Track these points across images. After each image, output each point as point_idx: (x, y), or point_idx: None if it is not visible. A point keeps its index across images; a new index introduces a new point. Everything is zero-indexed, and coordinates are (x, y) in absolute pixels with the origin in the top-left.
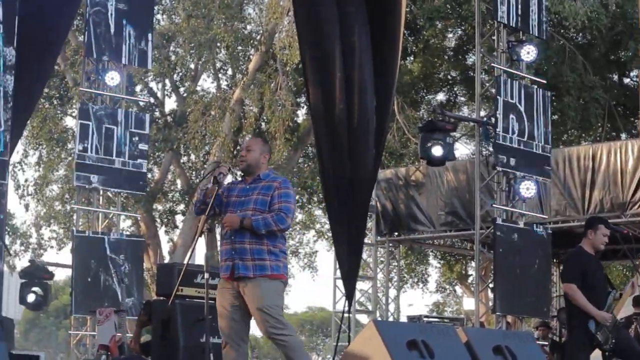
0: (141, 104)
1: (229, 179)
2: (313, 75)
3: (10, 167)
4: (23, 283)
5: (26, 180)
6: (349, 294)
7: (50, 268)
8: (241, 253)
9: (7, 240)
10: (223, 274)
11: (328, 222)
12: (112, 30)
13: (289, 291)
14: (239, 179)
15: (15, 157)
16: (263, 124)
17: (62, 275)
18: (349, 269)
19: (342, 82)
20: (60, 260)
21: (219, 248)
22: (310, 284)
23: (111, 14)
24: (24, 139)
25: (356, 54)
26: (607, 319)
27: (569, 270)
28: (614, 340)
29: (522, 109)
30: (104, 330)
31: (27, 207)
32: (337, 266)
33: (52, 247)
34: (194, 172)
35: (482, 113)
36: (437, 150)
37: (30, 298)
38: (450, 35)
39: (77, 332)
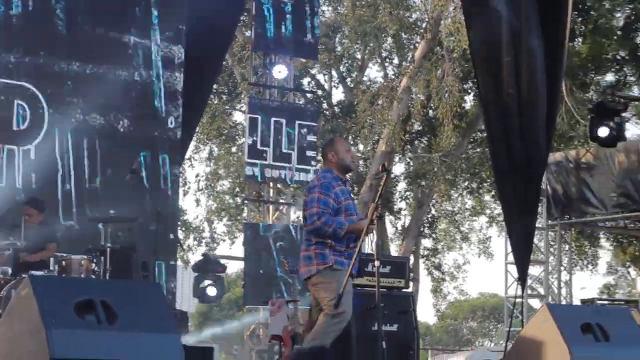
0: (309, 95)
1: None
2: (481, 61)
3: None
4: (196, 277)
5: (197, 176)
6: (522, 279)
7: (223, 261)
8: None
9: (180, 235)
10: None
11: (498, 208)
12: (278, 23)
13: (465, 278)
14: (331, 177)
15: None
16: (430, 111)
17: (234, 268)
18: (522, 253)
19: (511, 67)
20: (232, 253)
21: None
22: (482, 270)
23: (277, 8)
24: (194, 134)
25: (524, 37)
26: None
27: None
28: None
29: None
30: (277, 321)
31: (197, 202)
32: (508, 251)
33: (224, 240)
34: (362, 162)
35: None
36: (607, 132)
37: (204, 291)
38: (619, 14)
39: (250, 323)
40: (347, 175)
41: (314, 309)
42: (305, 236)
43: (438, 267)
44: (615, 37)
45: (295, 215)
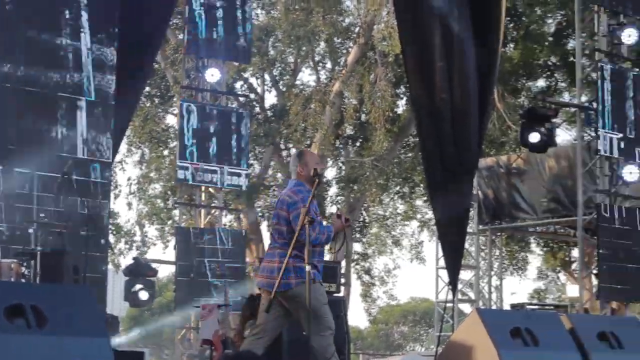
0: (241, 99)
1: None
2: (414, 66)
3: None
4: (127, 281)
5: (129, 179)
6: (454, 284)
7: (154, 265)
8: None
9: (112, 239)
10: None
11: (430, 212)
12: (211, 27)
13: (395, 282)
14: (305, 190)
15: (117, 156)
16: (363, 115)
17: (166, 272)
18: (453, 258)
19: (444, 72)
20: (164, 257)
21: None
22: (413, 274)
23: (209, 11)
24: (126, 137)
25: (456, 43)
26: None
27: None
28: None
29: (624, 92)
30: (207, 326)
31: (129, 205)
32: (439, 256)
33: (155, 244)
34: None
35: (584, 98)
36: (537, 137)
37: (135, 295)
38: (550, 20)
39: (181, 328)
40: None
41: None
42: (276, 245)
43: (368, 271)
44: (546, 43)
45: (227, 218)
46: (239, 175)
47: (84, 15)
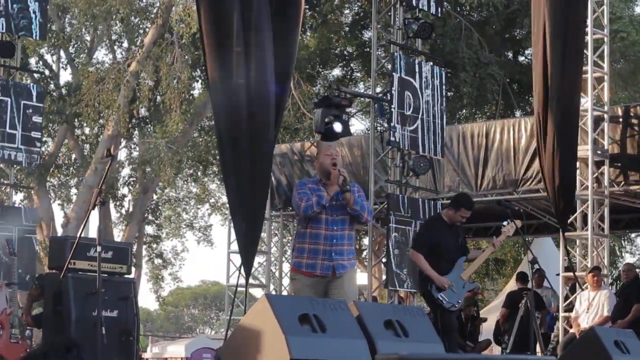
0: (35, 76)
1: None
2: (211, 49)
3: None
4: None
5: None
6: (248, 268)
7: None
8: None
9: None
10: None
11: (223, 196)
12: (6, 2)
13: (182, 265)
14: (309, 181)
15: None
16: (158, 97)
17: None
18: (248, 243)
19: (241, 57)
20: None
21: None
22: (204, 258)
23: None
24: None
25: (254, 29)
26: (446, 283)
27: (417, 238)
28: (459, 301)
29: (417, 85)
30: None
31: None
32: (231, 240)
33: None
34: (88, 145)
35: (378, 89)
36: (332, 126)
37: None
38: (347, 11)
39: None
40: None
41: None
42: None
43: (160, 255)
44: (343, 33)
45: (18, 196)
46: (31, 152)
47: None
